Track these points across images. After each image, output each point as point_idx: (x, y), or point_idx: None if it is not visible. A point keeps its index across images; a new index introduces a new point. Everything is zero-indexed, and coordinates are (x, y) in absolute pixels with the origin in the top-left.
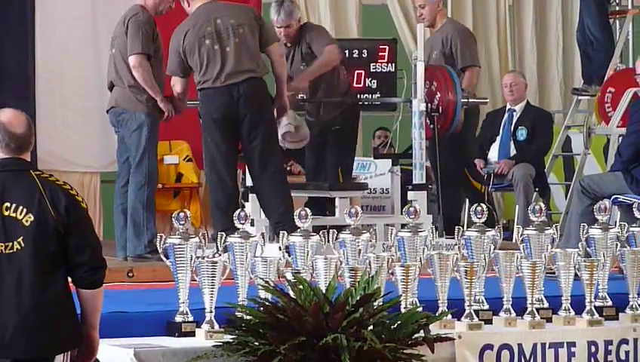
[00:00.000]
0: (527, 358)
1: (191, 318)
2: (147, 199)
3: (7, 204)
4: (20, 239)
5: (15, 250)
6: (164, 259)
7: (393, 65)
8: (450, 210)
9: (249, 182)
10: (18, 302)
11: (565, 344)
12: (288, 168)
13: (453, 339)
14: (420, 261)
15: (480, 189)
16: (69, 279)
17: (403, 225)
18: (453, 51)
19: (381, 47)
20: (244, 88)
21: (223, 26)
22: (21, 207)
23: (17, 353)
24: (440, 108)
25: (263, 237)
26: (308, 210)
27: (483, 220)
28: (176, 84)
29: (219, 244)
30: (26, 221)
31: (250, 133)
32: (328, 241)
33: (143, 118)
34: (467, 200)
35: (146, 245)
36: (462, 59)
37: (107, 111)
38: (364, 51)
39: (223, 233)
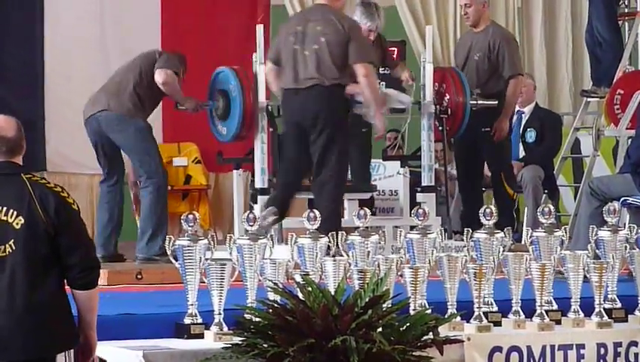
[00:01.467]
0: (537, 360)
1: (200, 320)
2: (160, 202)
3: None
4: (10, 242)
5: (7, 253)
6: (172, 261)
7: None
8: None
9: (258, 184)
10: (11, 304)
11: (574, 346)
12: None
13: (462, 341)
14: (429, 263)
15: (512, 195)
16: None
17: (412, 227)
18: (499, 59)
19: (390, 49)
20: (308, 95)
21: (311, 30)
22: (11, 211)
23: (14, 354)
24: (449, 110)
25: (272, 240)
26: (317, 212)
27: (492, 222)
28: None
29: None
30: (17, 224)
31: (313, 142)
32: (337, 243)
33: (142, 124)
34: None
35: (160, 246)
36: (509, 67)
37: (92, 116)
38: None
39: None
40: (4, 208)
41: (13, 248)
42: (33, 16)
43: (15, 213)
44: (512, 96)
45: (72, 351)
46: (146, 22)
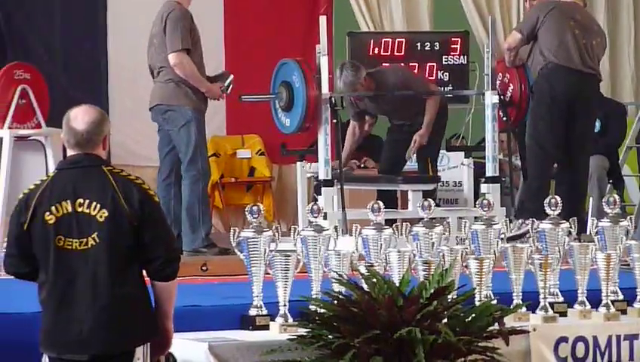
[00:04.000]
0: (602, 350)
1: (265, 312)
2: (202, 193)
3: (81, 201)
4: (94, 235)
5: (90, 245)
6: (237, 252)
7: (465, 57)
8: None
9: (321, 176)
10: (94, 297)
11: None
12: (362, 164)
13: (528, 332)
14: (494, 253)
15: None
16: (144, 272)
17: (476, 218)
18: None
19: (453, 39)
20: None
21: (587, 24)
22: (94, 203)
23: (96, 348)
24: (513, 100)
25: (336, 231)
26: (381, 203)
27: (557, 212)
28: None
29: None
30: (100, 216)
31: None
32: (401, 234)
33: (190, 114)
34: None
35: (203, 238)
36: None
37: (150, 109)
38: (436, 44)
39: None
40: (87, 201)
41: (97, 241)
42: (97, 12)
43: (98, 205)
44: None
45: (149, 343)
46: (208, 12)
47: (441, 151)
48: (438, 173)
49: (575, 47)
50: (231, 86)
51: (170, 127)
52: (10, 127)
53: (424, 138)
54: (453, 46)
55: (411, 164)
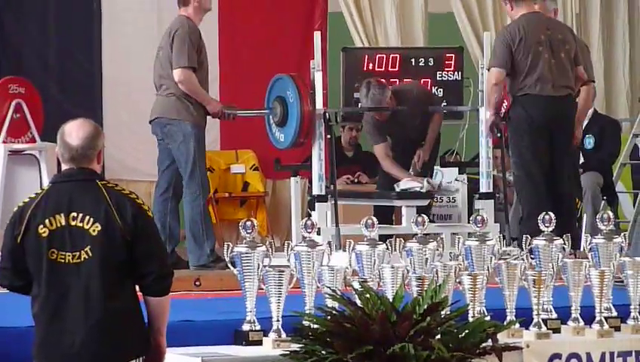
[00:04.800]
0: None
1: (258, 327)
2: (203, 209)
3: (74, 214)
4: (87, 248)
5: (82, 259)
6: (231, 267)
7: (460, 73)
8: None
9: (315, 191)
10: (86, 310)
11: (634, 352)
12: (356, 179)
13: (522, 348)
14: (488, 270)
15: (577, 203)
16: (137, 287)
17: (470, 234)
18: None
19: (447, 55)
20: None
21: (554, 38)
22: (88, 217)
23: (87, 361)
24: (507, 116)
25: (330, 246)
26: (374, 219)
27: (551, 229)
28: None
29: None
30: (93, 230)
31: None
32: (395, 250)
33: (190, 129)
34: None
35: (208, 254)
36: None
37: (150, 122)
38: (431, 60)
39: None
40: (80, 214)
41: (90, 254)
42: (91, 26)
43: (92, 219)
44: (584, 103)
45: (141, 358)
46: (203, 26)
47: (435, 167)
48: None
49: (547, 72)
50: (235, 116)
51: (170, 141)
52: (4, 142)
53: (427, 153)
54: (447, 62)
55: None
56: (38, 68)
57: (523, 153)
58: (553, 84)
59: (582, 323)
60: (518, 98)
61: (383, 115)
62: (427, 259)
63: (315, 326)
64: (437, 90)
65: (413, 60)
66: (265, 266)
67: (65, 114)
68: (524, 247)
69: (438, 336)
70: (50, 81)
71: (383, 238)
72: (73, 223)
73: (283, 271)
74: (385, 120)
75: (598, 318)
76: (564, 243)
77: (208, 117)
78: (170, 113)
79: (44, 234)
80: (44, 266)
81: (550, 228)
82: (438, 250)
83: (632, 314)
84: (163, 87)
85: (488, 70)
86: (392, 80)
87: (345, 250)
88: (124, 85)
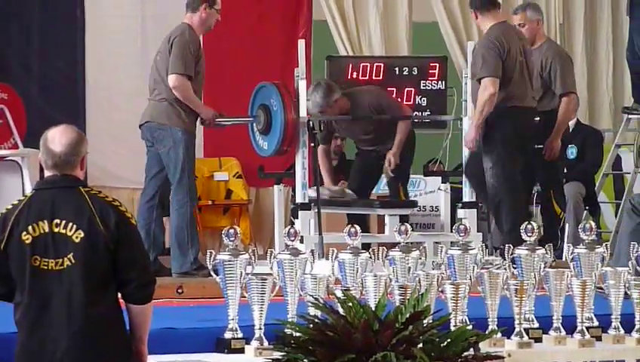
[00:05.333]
0: None
1: (240, 335)
2: (190, 217)
3: (57, 221)
4: (70, 255)
5: (65, 266)
6: (213, 275)
7: (443, 82)
8: None
9: (299, 199)
10: (69, 318)
11: None
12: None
13: (503, 358)
14: (470, 279)
15: (560, 214)
16: (119, 294)
17: (453, 243)
18: (552, 76)
19: (431, 64)
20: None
21: (526, 48)
22: (71, 224)
23: None
24: None
25: (313, 254)
26: (358, 228)
27: (534, 238)
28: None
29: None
30: (76, 237)
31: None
32: (378, 259)
33: (180, 135)
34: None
35: (191, 262)
36: (562, 85)
37: (140, 126)
38: (415, 69)
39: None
40: (63, 221)
41: (72, 261)
42: (74, 33)
43: (75, 226)
44: (563, 114)
45: None
46: None
47: (418, 175)
48: (415, 198)
49: (528, 83)
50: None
51: (159, 146)
52: None
53: (397, 156)
54: (431, 71)
55: (379, 189)
56: (21, 73)
57: (507, 164)
58: (533, 96)
59: (563, 332)
60: (506, 109)
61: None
62: (410, 267)
63: (298, 334)
64: (421, 99)
65: (397, 69)
66: (247, 274)
67: (48, 120)
68: (506, 257)
69: (420, 345)
70: (32, 87)
71: (365, 246)
72: (56, 230)
73: (266, 279)
74: (331, 121)
75: (579, 328)
76: (547, 253)
77: None
78: (161, 118)
79: (27, 241)
80: (27, 273)
81: (533, 238)
82: (420, 258)
83: (613, 324)
84: (156, 91)
85: (478, 80)
86: (374, 85)
87: (328, 258)
88: (106, 91)
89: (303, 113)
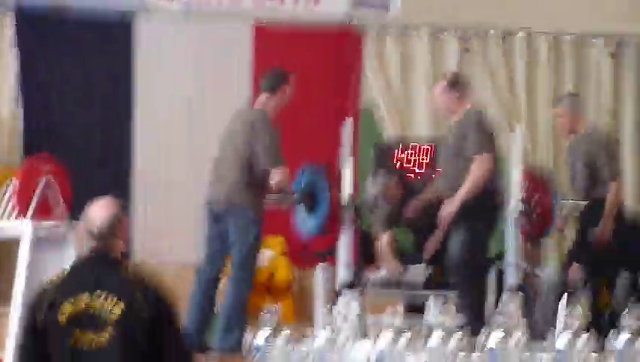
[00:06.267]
0: None
1: None
2: (245, 298)
3: (97, 296)
4: (109, 330)
5: (104, 340)
6: (253, 353)
7: None
8: None
9: (342, 278)
10: None
11: None
12: None
13: None
14: None
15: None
16: None
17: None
18: (598, 164)
19: None
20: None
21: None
22: (110, 298)
23: None
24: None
25: (354, 335)
26: (400, 308)
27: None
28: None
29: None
30: (116, 313)
31: None
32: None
33: (252, 216)
34: None
35: (236, 341)
36: (609, 172)
37: (208, 203)
38: None
39: None
40: (104, 296)
41: (111, 337)
42: (127, 109)
43: (115, 301)
44: (611, 198)
45: None
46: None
47: None
48: None
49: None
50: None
51: (229, 225)
52: (32, 219)
53: (436, 242)
54: None
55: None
56: (72, 148)
57: (485, 242)
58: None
59: None
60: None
61: (394, 200)
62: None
63: None
64: None
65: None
66: (288, 352)
67: (94, 191)
68: None
69: None
70: (82, 161)
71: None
72: (96, 305)
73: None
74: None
75: None
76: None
77: None
78: (234, 198)
79: (67, 315)
80: (65, 351)
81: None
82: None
83: None
84: (230, 171)
85: (479, 155)
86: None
87: (369, 339)
88: (155, 166)
89: (347, 193)
